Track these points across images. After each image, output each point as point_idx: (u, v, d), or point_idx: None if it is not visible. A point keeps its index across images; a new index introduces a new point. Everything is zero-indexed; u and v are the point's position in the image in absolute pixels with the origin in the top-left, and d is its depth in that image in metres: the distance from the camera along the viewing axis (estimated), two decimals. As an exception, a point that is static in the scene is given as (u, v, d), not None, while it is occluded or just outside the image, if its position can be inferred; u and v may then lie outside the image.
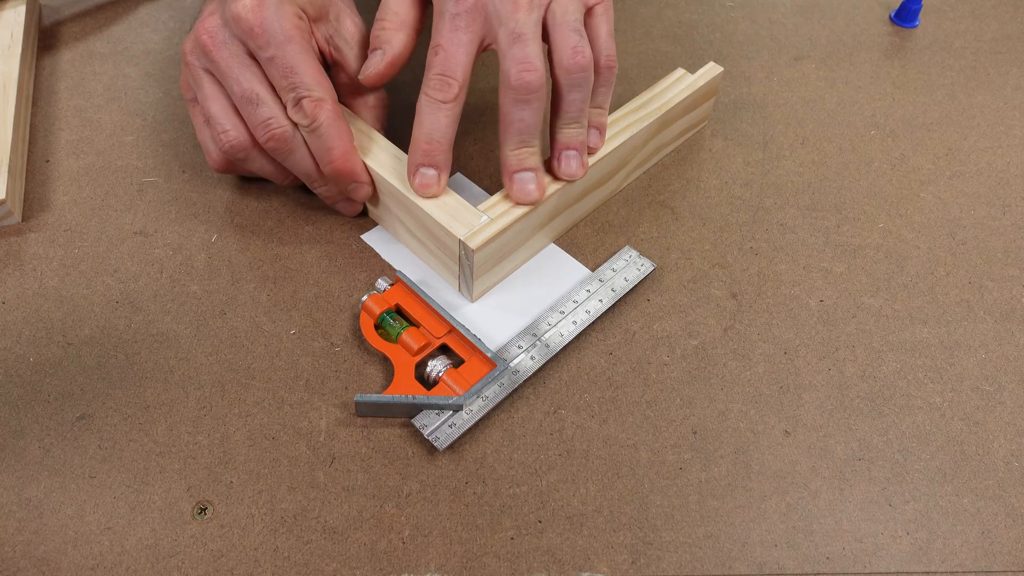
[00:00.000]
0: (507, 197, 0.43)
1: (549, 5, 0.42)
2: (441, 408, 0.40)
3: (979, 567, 0.38)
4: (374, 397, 0.40)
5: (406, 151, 0.43)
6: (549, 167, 0.45)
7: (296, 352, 0.43)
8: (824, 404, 0.42)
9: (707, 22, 0.64)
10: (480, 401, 0.41)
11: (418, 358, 0.42)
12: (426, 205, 0.43)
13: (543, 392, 0.42)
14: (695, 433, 0.41)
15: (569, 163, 0.44)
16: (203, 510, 0.38)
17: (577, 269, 0.47)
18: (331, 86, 0.43)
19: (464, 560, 0.37)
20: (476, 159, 0.53)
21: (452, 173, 0.51)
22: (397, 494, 0.38)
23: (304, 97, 0.41)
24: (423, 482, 0.39)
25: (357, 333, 0.44)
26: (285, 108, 0.42)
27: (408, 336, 0.42)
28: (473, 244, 0.41)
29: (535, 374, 0.43)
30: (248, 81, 0.42)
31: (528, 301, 0.45)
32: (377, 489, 0.39)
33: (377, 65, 0.44)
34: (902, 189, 0.53)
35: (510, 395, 0.42)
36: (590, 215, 0.50)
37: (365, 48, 0.46)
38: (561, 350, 0.43)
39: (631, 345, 0.44)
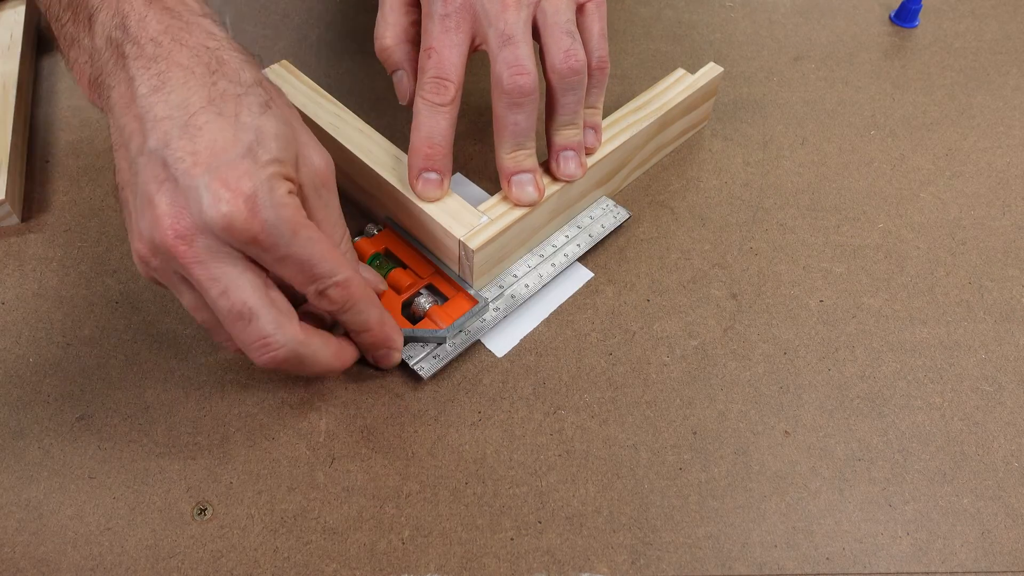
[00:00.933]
0: (506, 199, 0.43)
1: (539, 3, 0.41)
2: (426, 340, 0.42)
3: (979, 567, 0.38)
4: None
5: (405, 150, 0.43)
6: (548, 168, 0.45)
7: (296, 352, 0.43)
8: (824, 404, 0.42)
9: (707, 22, 0.64)
10: (463, 335, 0.43)
11: (405, 296, 0.44)
12: (426, 205, 0.43)
13: (543, 392, 0.42)
14: (695, 433, 0.41)
15: (567, 164, 0.44)
16: (203, 510, 0.38)
17: (578, 269, 0.47)
18: (345, 258, 0.37)
19: (464, 560, 0.37)
20: (476, 159, 0.53)
21: (452, 173, 0.51)
22: (397, 494, 0.38)
23: (329, 286, 0.36)
24: (423, 482, 0.39)
25: None
26: (286, 314, 0.36)
27: (396, 276, 0.44)
28: (473, 244, 0.41)
29: (533, 370, 0.43)
30: (237, 293, 0.34)
31: (529, 302, 0.45)
32: (377, 489, 0.39)
33: (408, 87, 0.44)
34: (902, 189, 0.53)
35: (511, 395, 0.42)
36: (590, 215, 0.50)
37: (333, 186, 0.38)
38: (562, 350, 0.43)
39: (631, 345, 0.44)
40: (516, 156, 0.42)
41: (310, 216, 0.37)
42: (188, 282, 0.35)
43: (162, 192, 0.33)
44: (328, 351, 0.38)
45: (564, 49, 0.41)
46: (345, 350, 0.40)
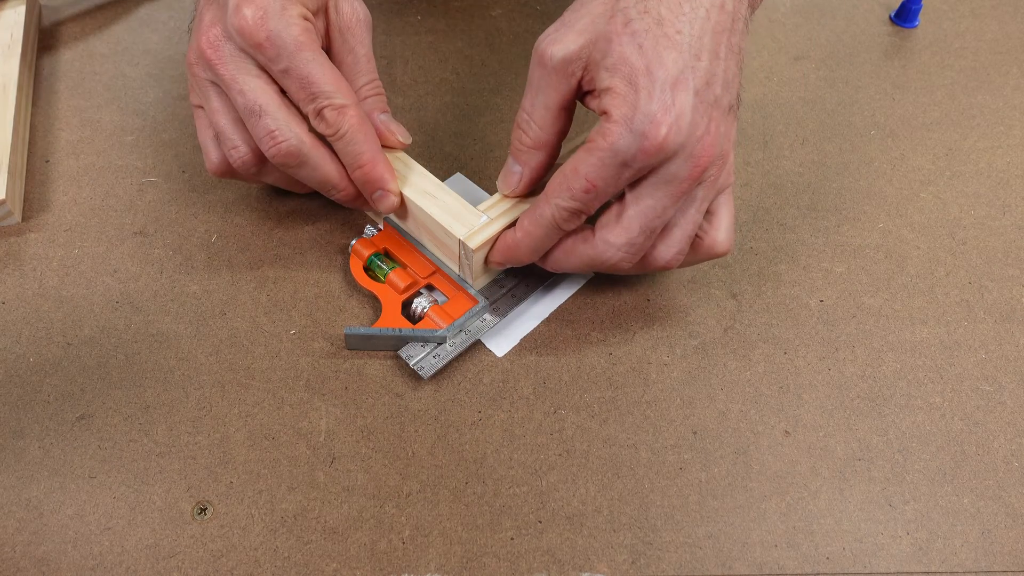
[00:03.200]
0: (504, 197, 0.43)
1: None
2: (426, 340, 0.42)
3: (979, 567, 0.38)
4: (363, 330, 0.42)
5: (405, 150, 0.43)
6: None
7: (296, 352, 0.43)
8: (824, 404, 0.42)
9: (707, 22, 0.64)
10: (463, 335, 0.43)
11: (405, 296, 0.44)
12: (426, 205, 0.43)
13: (543, 392, 0.42)
14: (695, 433, 0.41)
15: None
16: (203, 510, 0.38)
17: (577, 269, 0.47)
18: (351, 89, 0.42)
19: (464, 560, 0.37)
20: (476, 159, 0.53)
21: (451, 173, 0.52)
22: (397, 494, 0.38)
23: (325, 107, 0.40)
24: (423, 482, 0.39)
25: (347, 276, 0.46)
26: (297, 118, 0.41)
27: (396, 276, 0.44)
28: (473, 244, 0.41)
29: (536, 374, 0.43)
30: (252, 92, 0.40)
31: (529, 302, 0.45)
32: (377, 489, 0.39)
33: (514, 186, 0.42)
34: (902, 189, 0.53)
35: (511, 395, 0.42)
36: (590, 215, 0.50)
37: (362, 35, 0.44)
38: (562, 350, 0.43)
39: (631, 345, 0.44)
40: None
41: (333, 56, 0.44)
42: (218, 86, 0.42)
43: (209, 9, 0.41)
44: (333, 163, 0.43)
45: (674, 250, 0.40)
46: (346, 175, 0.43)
